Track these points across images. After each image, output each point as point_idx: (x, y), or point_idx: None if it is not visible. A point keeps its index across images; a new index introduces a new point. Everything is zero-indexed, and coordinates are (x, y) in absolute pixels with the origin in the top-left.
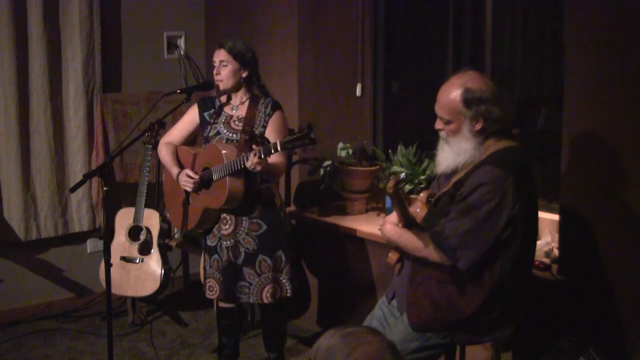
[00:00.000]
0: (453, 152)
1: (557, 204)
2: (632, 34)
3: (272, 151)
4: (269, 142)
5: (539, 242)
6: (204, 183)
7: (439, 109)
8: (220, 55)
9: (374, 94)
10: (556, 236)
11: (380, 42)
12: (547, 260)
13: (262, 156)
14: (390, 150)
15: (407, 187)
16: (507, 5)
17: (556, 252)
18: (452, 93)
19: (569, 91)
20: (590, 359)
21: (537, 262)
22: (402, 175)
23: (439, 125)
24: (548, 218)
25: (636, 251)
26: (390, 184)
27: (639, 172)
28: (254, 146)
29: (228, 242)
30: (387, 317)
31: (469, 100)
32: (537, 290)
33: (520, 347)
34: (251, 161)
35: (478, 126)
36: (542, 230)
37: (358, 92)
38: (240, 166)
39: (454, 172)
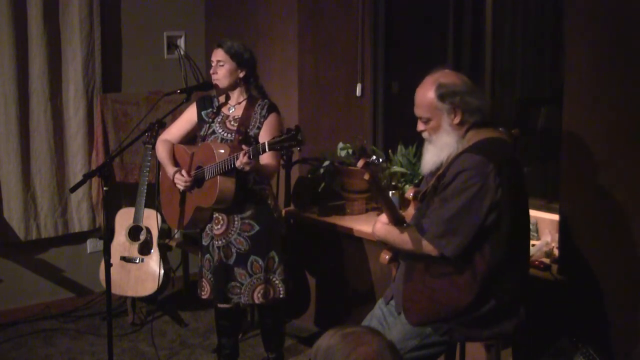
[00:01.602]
0: (437, 149)
1: (557, 204)
2: (633, 34)
3: (261, 151)
4: (258, 142)
5: (538, 242)
6: (197, 182)
7: (417, 110)
8: (218, 55)
9: (374, 94)
10: (556, 236)
11: (380, 42)
12: (547, 260)
13: (251, 156)
14: (390, 150)
15: (407, 187)
16: (507, 5)
17: (556, 252)
18: (426, 91)
19: (569, 91)
20: (590, 358)
21: (537, 262)
22: (373, 157)
23: (420, 126)
24: (548, 218)
25: (636, 251)
26: (360, 163)
27: (639, 171)
28: (243, 146)
29: (220, 242)
30: (386, 316)
31: (443, 94)
32: (537, 290)
33: (520, 346)
34: (240, 161)
35: (457, 119)
36: (542, 230)
37: (358, 92)
38: (231, 166)
39: (439, 167)
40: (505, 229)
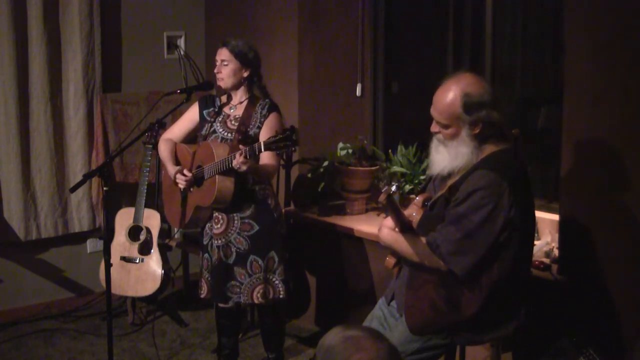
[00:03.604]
0: (450, 156)
1: (557, 204)
2: (632, 35)
3: (257, 151)
4: (255, 142)
5: (538, 242)
6: (197, 181)
7: (436, 113)
8: (222, 54)
9: (374, 94)
10: (556, 236)
11: (380, 42)
12: (547, 260)
13: (247, 156)
14: (390, 150)
15: (407, 187)
16: (507, 5)
17: (556, 252)
18: (450, 98)
19: (569, 91)
20: (590, 358)
21: (537, 262)
22: (394, 188)
23: (435, 128)
24: (548, 218)
25: (636, 251)
26: (382, 197)
27: (639, 172)
28: (240, 146)
29: (219, 242)
30: (387, 317)
31: (469, 105)
32: (537, 290)
33: (520, 347)
34: (237, 160)
35: (477, 130)
36: (542, 230)
37: (358, 92)
38: (229, 165)
39: (450, 174)
40: (515, 245)
